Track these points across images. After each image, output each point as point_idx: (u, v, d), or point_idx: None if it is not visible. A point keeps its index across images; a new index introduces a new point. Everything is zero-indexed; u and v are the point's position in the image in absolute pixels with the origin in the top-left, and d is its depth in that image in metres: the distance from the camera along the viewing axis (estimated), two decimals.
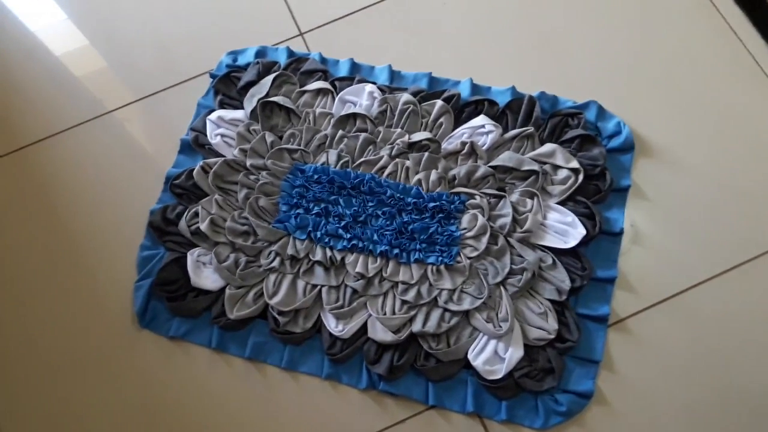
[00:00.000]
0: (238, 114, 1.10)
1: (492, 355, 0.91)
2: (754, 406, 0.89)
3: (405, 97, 1.07)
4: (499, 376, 0.89)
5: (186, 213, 1.01)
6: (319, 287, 0.96)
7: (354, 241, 0.98)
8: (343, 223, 1.00)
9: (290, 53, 1.15)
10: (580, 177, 1.00)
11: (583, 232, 0.96)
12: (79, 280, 1.02)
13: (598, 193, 1.00)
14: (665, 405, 0.89)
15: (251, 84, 1.11)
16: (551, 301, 0.94)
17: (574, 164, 1.00)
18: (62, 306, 1.01)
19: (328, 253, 0.98)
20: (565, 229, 0.97)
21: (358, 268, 0.96)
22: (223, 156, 1.06)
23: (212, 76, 1.15)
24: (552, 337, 0.91)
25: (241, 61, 1.16)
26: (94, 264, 1.03)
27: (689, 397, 0.90)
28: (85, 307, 1.01)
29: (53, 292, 1.02)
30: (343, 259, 0.98)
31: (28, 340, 0.99)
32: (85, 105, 1.16)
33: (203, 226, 0.99)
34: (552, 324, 0.92)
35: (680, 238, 0.98)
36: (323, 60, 1.15)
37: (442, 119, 1.06)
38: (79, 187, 1.09)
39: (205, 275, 0.98)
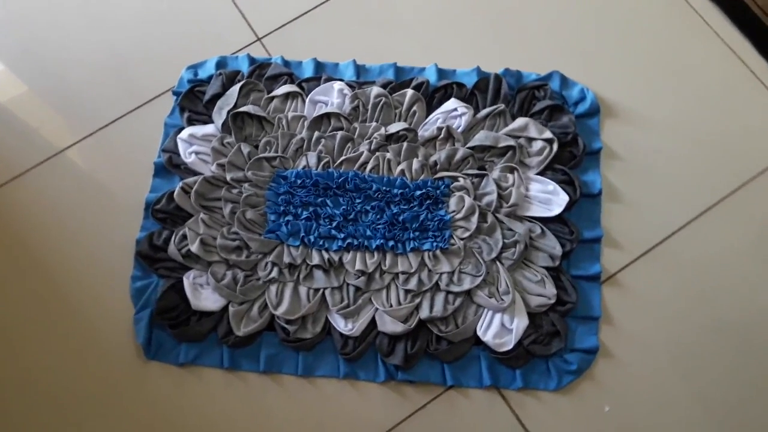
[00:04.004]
0: (209, 129, 1.07)
1: (499, 328, 0.94)
2: (741, 337, 0.96)
3: (375, 90, 1.08)
4: (509, 347, 0.93)
5: (174, 237, 0.99)
6: (321, 290, 0.97)
7: (348, 240, 0.99)
8: (334, 223, 1.00)
9: (251, 60, 1.13)
10: (555, 146, 1.04)
11: (566, 198, 1.00)
12: (75, 322, 0.99)
13: (574, 158, 1.05)
14: (663, 348, 0.96)
15: (217, 96, 1.09)
16: (546, 268, 0.98)
17: (548, 134, 1.04)
18: (63, 351, 0.97)
19: (325, 255, 0.98)
20: (548, 197, 1.01)
21: (357, 266, 0.97)
22: (201, 173, 1.04)
23: (175, 93, 1.11)
24: (552, 301, 0.95)
25: (202, 74, 1.13)
26: (88, 304, 1.00)
27: (683, 336, 0.96)
28: (86, 349, 0.97)
29: (50, 338, 0.98)
30: (340, 259, 0.98)
31: (33, 391, 0.95)
32: (46, 143, 1.10)
33: (194, 247, 0.97)
34: (550, 289, 0.96)
35: (654, 190, 1.04)
36: (286, 63, 1.13)
37: (415, 107, 1.08)
38: (56, 228, 1.05)
39: (204, 296, 0.97)
